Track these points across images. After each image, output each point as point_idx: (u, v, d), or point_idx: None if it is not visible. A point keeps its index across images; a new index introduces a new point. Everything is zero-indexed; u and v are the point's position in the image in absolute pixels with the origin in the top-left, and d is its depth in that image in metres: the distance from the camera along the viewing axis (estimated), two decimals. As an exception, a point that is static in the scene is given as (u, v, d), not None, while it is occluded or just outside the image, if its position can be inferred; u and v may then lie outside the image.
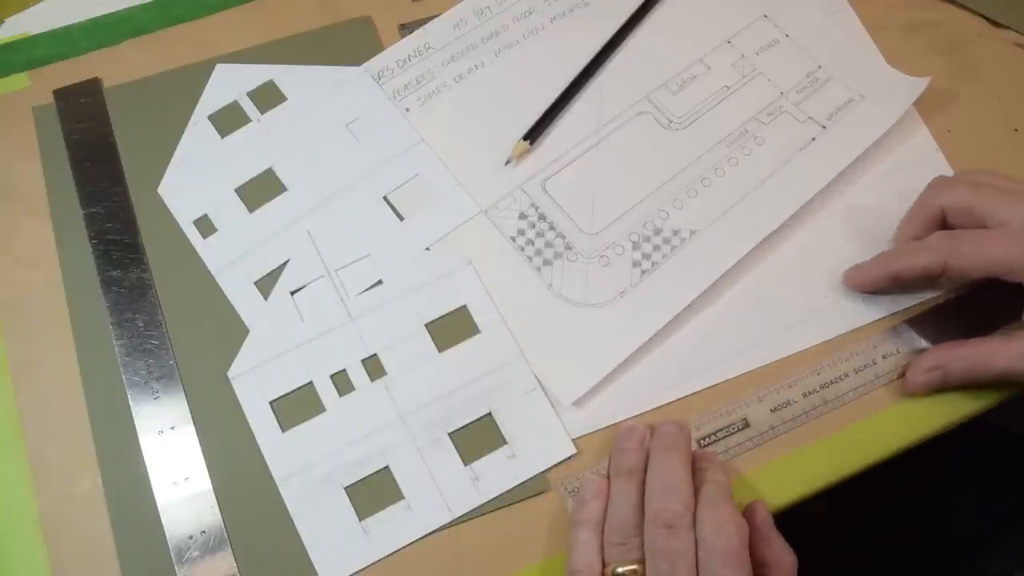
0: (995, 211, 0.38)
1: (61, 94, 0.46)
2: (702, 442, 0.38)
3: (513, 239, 0.43)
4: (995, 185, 0.39)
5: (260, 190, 0.44)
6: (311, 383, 0.40)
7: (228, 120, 0.46)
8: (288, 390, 0.40)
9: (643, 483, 0.36)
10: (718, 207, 0.43)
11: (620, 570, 0.34)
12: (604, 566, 0.35)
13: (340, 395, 0.40)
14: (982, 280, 0.39)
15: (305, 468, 0.38)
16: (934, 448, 0.39)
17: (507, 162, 0.44)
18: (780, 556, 0.35)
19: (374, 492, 0.38)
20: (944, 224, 0.40)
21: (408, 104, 0.46)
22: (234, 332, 0.41)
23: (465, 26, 0.49)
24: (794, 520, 0.38)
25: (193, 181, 0.44)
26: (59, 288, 0.42)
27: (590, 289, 0.42)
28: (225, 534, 0.37)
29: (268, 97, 0.46)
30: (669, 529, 0.34)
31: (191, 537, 0.37)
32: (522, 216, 0.43)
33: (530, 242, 0.43)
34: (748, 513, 0.36)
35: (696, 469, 0.36)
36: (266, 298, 0.42)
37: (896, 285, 0.40)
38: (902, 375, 0.39)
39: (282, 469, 0.38)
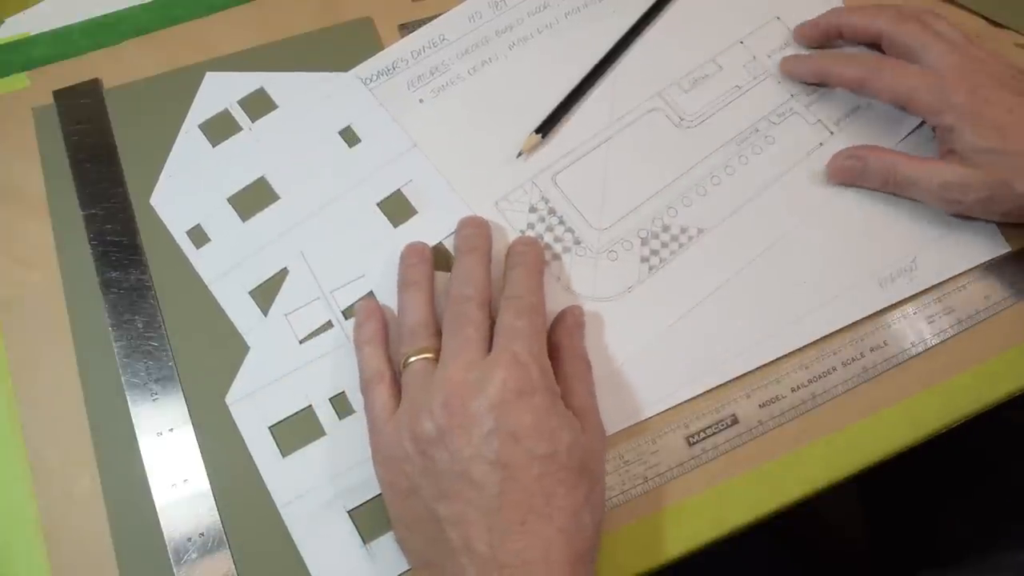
0: (927, 55, 0.41)
1: (61, 95, 0.46)
2: (691, 439, 0.38)
3: (523, 233, 0.43)
4: (936, 30, 0.42)
5: (253, 199, 0.44)
6: (310, 407, 0.39)
7: (219, 129, 0.45)
8: (287, 415, 0.39)
9: (432, 294, 0.38)
10: (727, 206, 0.43)
11: (412, 359, 0.35)
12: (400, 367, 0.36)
13: (340, 418, 0.39)
14: (890, 104, 0.43)
15: (307, 493, 0.38)
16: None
17: (519, 155, 0.45)
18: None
19: (377, 515, 0.37)
20: (874, 46, 0.45)
21: (422, 95, 0.46)
22: (233, 334, 0.41)
23: (480, 19, 0.49)
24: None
25: (185, 191, 0.44)
26: (58, 289, 0.42)
27: (598, 283, 0.42)
28: (224, 536, 0.37)
29: (259, 105, 0.46)
30: (463, 299, 0.36)
31: (189, 539, 0.37)
32: (532, 209, 0.43)
33: (540, 236, 0.43)
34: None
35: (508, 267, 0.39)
36: (260, 307, 0.41)
37: (819, 81, 0.45)
38: (891, 368, 0.40)
39: (284, 495, 0.38)
